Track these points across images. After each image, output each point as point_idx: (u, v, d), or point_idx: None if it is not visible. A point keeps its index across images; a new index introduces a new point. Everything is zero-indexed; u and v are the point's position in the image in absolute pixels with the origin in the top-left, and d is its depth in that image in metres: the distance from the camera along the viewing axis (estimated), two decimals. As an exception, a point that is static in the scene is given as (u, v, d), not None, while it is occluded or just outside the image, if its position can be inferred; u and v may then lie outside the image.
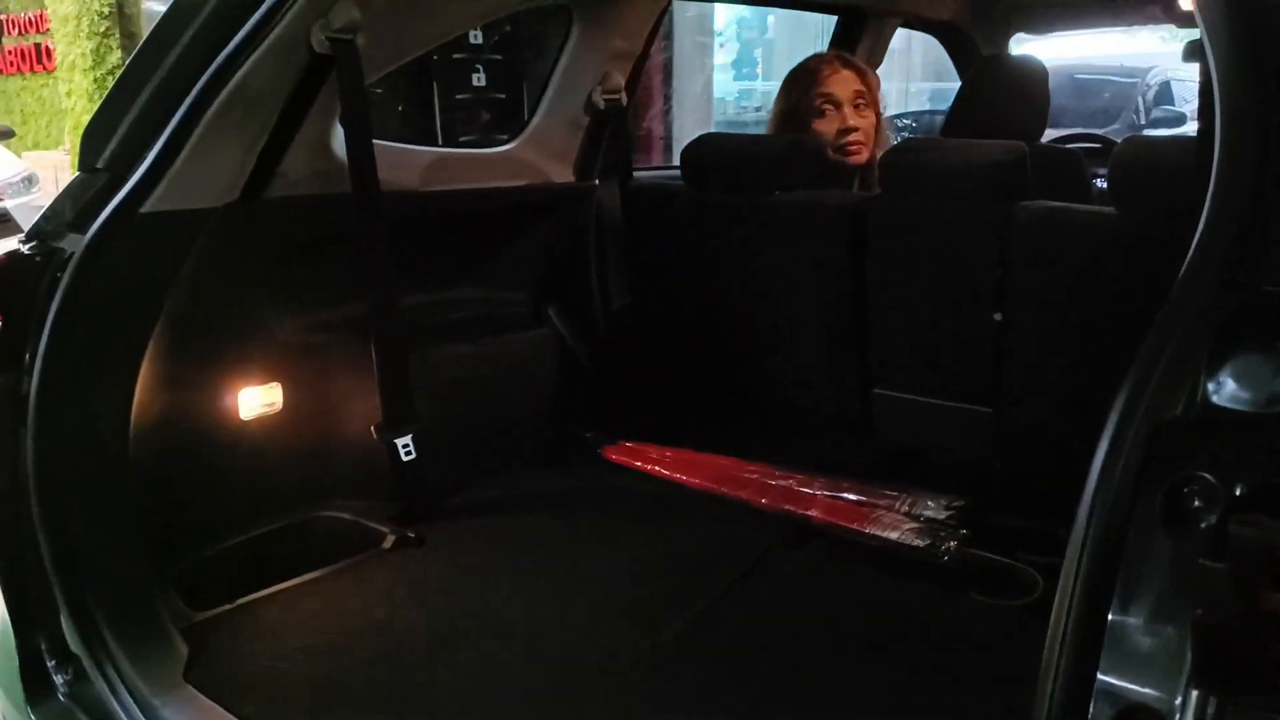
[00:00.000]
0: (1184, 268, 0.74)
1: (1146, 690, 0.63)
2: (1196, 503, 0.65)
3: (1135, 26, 4.43)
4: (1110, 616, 0.65)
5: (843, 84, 2.34)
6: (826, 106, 2.33)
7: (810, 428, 2.15)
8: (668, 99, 9.04)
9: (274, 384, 1.84)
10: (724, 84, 13.30)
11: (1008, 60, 3.26)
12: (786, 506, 1.87)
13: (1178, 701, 0.61)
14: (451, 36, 2.01)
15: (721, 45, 12.18)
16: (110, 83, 9.01)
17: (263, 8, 1.56)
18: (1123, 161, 1.69)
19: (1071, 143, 3.58)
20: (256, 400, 1.83)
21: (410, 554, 1.84)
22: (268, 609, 1.65)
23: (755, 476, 1.96)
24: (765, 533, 1.83)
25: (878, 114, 2.40)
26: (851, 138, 2.32)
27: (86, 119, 7.18)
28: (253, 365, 1.80)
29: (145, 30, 8.78)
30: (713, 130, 9.18)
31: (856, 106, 2.33)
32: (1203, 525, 0.64)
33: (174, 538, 1.69)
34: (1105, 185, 1.86)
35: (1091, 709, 0.64)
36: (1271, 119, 0.74)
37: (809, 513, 1.84)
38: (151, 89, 1.57)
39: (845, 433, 2.12)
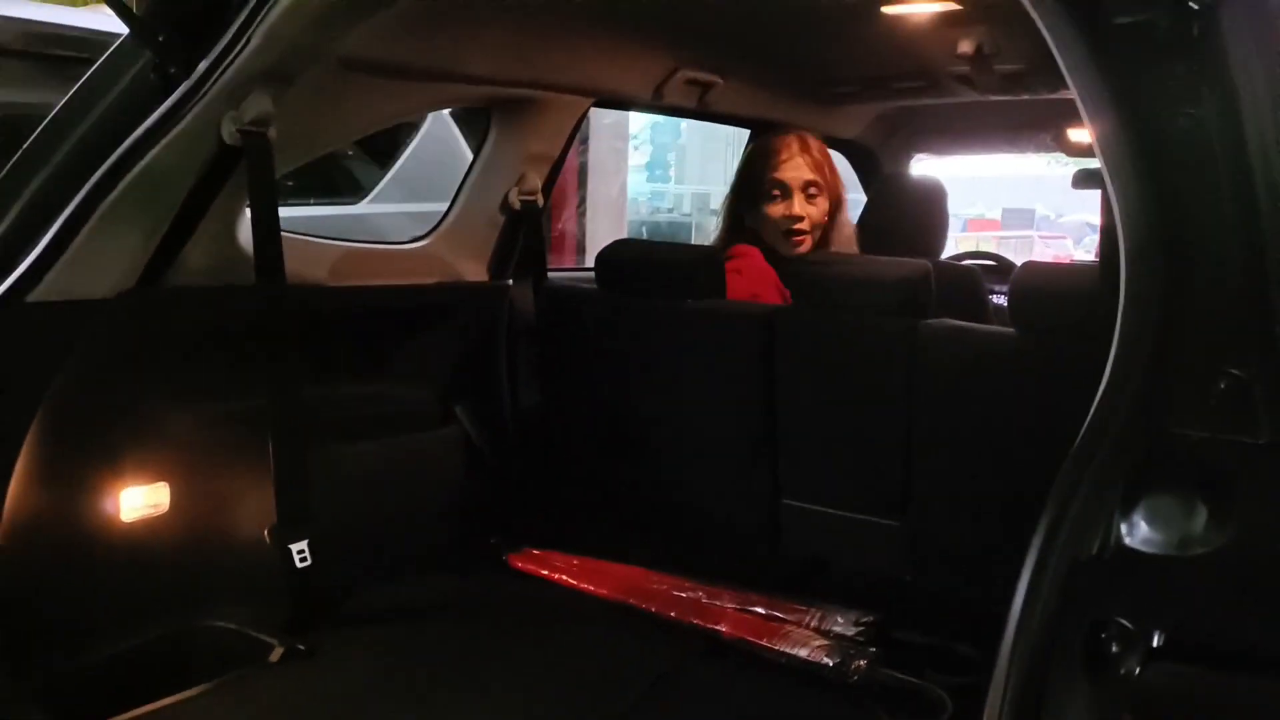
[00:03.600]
0: (1094, 409, 0.75)
1: None
2: (1114, 647, 0.64)
3: (1027, 152, 4.68)
4: None
5: (795, 171, 2.31)
6: (776, 191, 2.30)
7: (720, 538, 2.13)
8: (582, 200, 9.18)
9: (161, 483, 1.75)
10: (637, 185, 13.58)
11: (909, 179, 3.40)
12: (694, 620, 1.83)
13: None
14: (365, 134, 2.00)
15: (636, 148, 12.49)
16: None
17: (173, 96, 1.52)
18: (1022, 285, 1.75)
19: (969, 260, 3.72)
20: (140, 500, 1.73)
21: (299, 667, 1.73)
22: None
23: (664, 587, 1.93)
24: (673, 647, 1.79)
25: (835, 201, 2.36)
26: (796, 226, 2.29)
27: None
28: (139, 462, 1.71)
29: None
30: (626, 232, 9.36)
31: (809, 196, 2.30)
32: (1121, 671, 0.64)
33: (40, 647, 1.57)
34: (1005, 303, 1.92)
35: None
36: (1176, 259, 0.76)
37: (717, 627, 1.81)
38: (47, 174, 1.52)
39: (755, 543, 2.10)
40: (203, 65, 1.52)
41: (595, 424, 2.28)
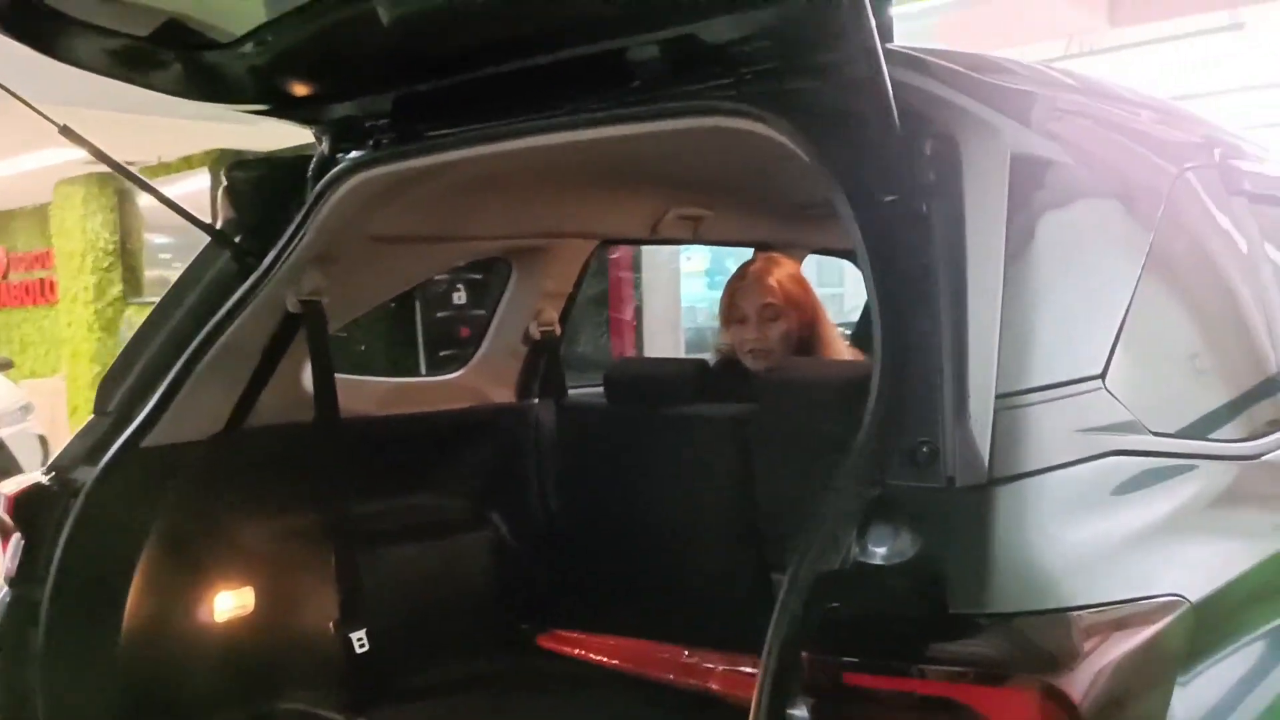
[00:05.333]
0: (842, 469, 1.10)
1: None
2: (832, 624, 0.99)
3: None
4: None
5: (750, 297, 2.54)
6: (738, 316, 2.56)
7: (717, 610, 2.42)
8: (638, 311, 9.71)
9: (247, 587, 2.15)
10: (696, 292, 14.08)
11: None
12: (689, 680, 2.14)
13: None
14: (401, 291, 2.46)
15: (689, 258, 13.04)
16: (110, 313, 9.54)
17: (248, 281, 1.97)
18: None
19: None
20: (231, 602, 2.12)
21: None
22: None
23: (666, 656, 2.24)
24: (673, 705, 2.10)
25: (805, 318, 2.56)
26: (750, 348, 2.54)
27: (84, 346, 7.67)
28: (227, 571, 2.10)
29: (146, 264, 9.50)
30: (682, 340, 9.74)
31: (768, 319, 2.52)
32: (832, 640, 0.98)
33: None
34: None
35: None
36: (899, 372, 1.12)
37: (708, 685, 2.12)
38: (157, 344, 1.98)
39: (749, 613, 2.39)
40: (270, 256, 1.97)
41: (608, 519, 2.62)
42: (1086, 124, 1.49)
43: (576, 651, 2.39)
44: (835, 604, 1.00)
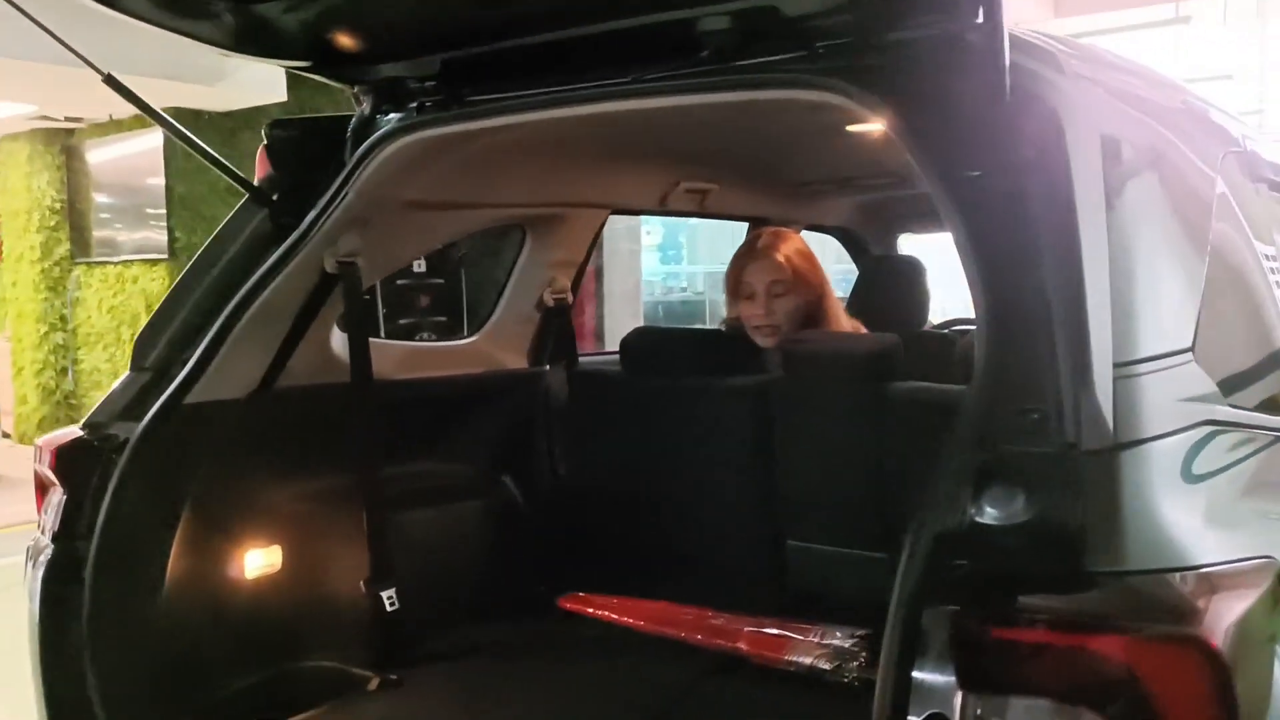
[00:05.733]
0: (954, 435, 1.14)
1: (938, 703, 1.00)
2: (963, 581, 1.03)
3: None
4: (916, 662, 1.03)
5: (759, 274, 2.56)
6: (745, 291, 2.58)
7: (734, 575, 2.48)
8: (599, 285, 9.73)
9: (275, 546, 2.14)
10: (651, 267, 14.16)
11: (893, 258, 3.83)
12: (717, 640, 2.19)
13: (955, 703, 0.98)
14: (428, 252, 2.45)
15: (649, 232, 13.08)
16: (57, 273, 9.28)
17: (287, 241, 1.96)
18: (964, 349, 2.14)
19: (956, 326, 4.11)
20: (260, 561, 2.12)
21: (393, 694, 2.10)
22: None
23: (689, 617, 2.29)
24: (699, 663, 2.14)
25: (812, 294, 2.57)
26: (757, 323, 2.56)
27: (30, 307, 7.49)
28: (257, 530, 2.10)
29: (93, 222, 9.24)
30: (641, 316, 9.78)
31: (774, 294, 2.54)
32: (964, 596, 1.03)
33: (189, 681, 1.95)
34: None
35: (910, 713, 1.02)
36: (1005, 343, 1.16)
37: (737, 645, 2.17)
38: (192, 304, 1.95)
39: (764, 578, 2.46)
40: (309, 216, 1.96)
41: (623, 485, 2.66)
42: (1154, 107, 1.55)
43: (598, 613, 2.42)
44: (962, 562, 1.04)
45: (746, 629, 2.21)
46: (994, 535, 1.06)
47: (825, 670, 2.05)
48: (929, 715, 1.00)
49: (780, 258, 2.58)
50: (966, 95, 1.26)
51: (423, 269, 8.27)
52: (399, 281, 8.09)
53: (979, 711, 0.98)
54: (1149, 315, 1.20)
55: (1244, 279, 1.59)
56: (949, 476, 1.11)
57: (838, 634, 2.16)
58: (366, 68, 1.93)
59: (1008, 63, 1.17)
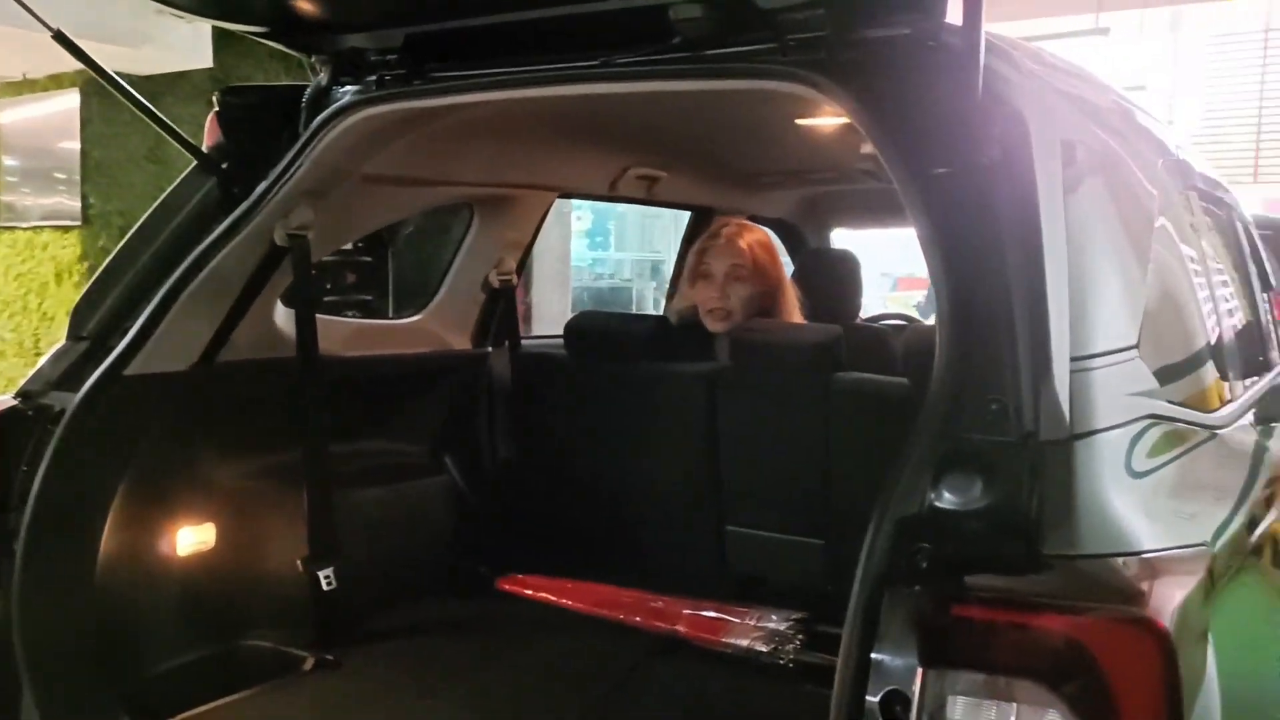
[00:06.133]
0: (917, 423, 1.19)
1: (897, 681, 1.04)
2: (924, 563, 1.07)
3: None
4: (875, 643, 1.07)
5: (721, 257, 2.58)
6: (703, 275, 2.60)
7: (675, 560, 2.52)
8: (528, 269, 9.66)
9: (208, 523, 2.10)
10: (579, 252, 14.11)
11: (828, 252, 3.90)
12: (657, 623, 2.22)
13: (916, 680, 1.03)
14: (378, 228, 2.42)
15: (579, 217, 13.03)
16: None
17: (236, 211, 1.92)
18: (908, 346, 2.20)
19: (887, 320, 4.21)
20: (192, 538, 2.08)
21: (328, 675, 2.08)
22: None
23: (630, 599, 2.31)
24: (638, 646, 2.17)
25: (770, 286, 2.61)
26: (712, 306, 2.58)
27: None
28: (191, 507, 2.05)
29: (1, 185, 8.84)
30: (570, 301, 9.76)
31: (733, 280, 2.56)
32: (924, 577, 1.07)
33: (119, 661, 1.90)
34: None
35: (868, 691, 1.05)
36: (968, 333, 1.21)
37: (676, 627, 2.20)
38: (134, 273, 1.90)
39: (704, 563, 2.50)
40: (261, 186, 1.92)
41: (567, 467, 2.67)
42: (1102, 113, 1.62)
43: (537, 594, 2.43)
44: (923, 545, 1.08)
45: (685, 611, 2.25)
46: (954, 520, 1.10)
47: (762, 652, 2.09)
48: (888, 691, 1.04)
49: (743, 245, 2.62)
50: (938, 94, 1.29)
51: (350, 246, 8.12)
52: (327, 259, 7.91)
53: (938, 688, 1.02)
54: (1101, 313, 1.26)
55: (1177, 281, 1.67)
56: (911, 463, 1.15)
57: (774, 617, 2.21)
58: (327, 37, 1.90)
59: (982, 64, 1.21)
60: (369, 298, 8.29)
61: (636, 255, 16.17)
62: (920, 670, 1.02)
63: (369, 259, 8.42)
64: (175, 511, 2.02)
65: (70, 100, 7.74)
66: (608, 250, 16.38)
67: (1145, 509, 1.16)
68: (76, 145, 7.95)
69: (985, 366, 1.17)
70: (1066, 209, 1.26)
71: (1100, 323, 1.25)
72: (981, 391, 1.16)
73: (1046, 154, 1.28)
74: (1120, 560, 1.08)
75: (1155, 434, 1.27)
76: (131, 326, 1.84)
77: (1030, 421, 1.13)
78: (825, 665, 2.05)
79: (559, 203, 3.09)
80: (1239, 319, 2.24)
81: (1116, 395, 1.22)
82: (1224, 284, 2.14)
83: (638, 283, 15.52)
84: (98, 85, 1.86)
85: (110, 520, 1.85)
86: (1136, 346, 1.30)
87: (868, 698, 1.06)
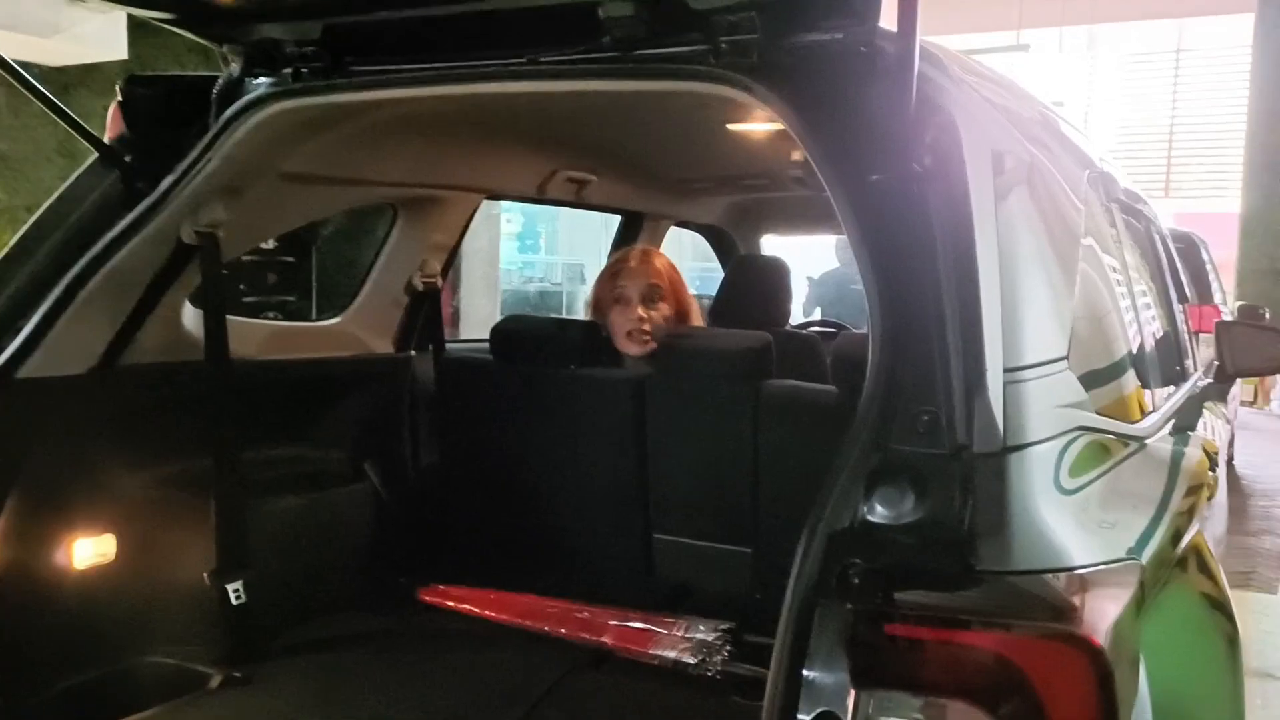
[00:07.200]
0: (848, 435, 1.16)
1: (828, 701, 1.01)
2: (855, 579, 1.04)
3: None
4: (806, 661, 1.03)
5: (636, 279, 2.57)
6: (620, 299, 2.58)
7: (601, 568, 2.47)
8: (456, 271, 9.53)
9: (108, 535, 1.99)
10: (509, 255, 14.00)
11: (758, 260, 3.90)
12: (583, 635, 2.17)
13: (848, 701, 0.99)
14: (295, 228, 2.33)
15: (509, 220, 12.92)
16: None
17: (140, 206, 1.82)
18: (839, 354, 2.19)
19: (815, 328, 4.23)
20: (90, 550, 1.96)
21: (235, 693, 1.99)
22: None
23: (555, 610, 2.26)
24: (565, 658, 2.12)
25: (682, 309, 2.60)
26: (631, 329, 2.55)
27: None
28: (89, 517, 1.94)
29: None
30: (499, 304, 9.65)
31: (651, 301, 2.55)
32: (856, 593, 1.04)
33: (9, 681, 1.79)
34: None
35: (800, 710, 1.02)
36: (898, 343, 1.19)
37: (602, 639, 2.15)
38: (28, 270, 1.79)
39: (632, 572, 2.46)
40: (166, 181, 1.82)
41: (491, 475, 2.61)
42: (1030, 124, 1.62)
43: (460, 606, 2.36)
44: (855, 560, 1.05)
45: (612, 623, 2.20)
46: (885, 534, 1.08)
47: (690, 664, 2.06)
48: (819, 713, 1.01)
49: (658, 266, 2.63)
50: (871, 100, 1.27)
51: (272, 245, 7.92)
52: (246, 258, 7.71)
53: (870, 709, 0.99)
54: (1031, 324, 1.25)
55: (1102, 293, 1.68)
56: (842, 476, 1.12)
57: (701, 627, 2.17)
58: (239, 26, 1.81)
59: (916, 72, 1.19)
60: (291, 298, 8.10)
61: (568, 259, 16.11)
62: (853, 691, 0.99)
63: (290, 259, 8.23)
64: (72, 522, 1.91)
65: (-21, 90, 7.43)
66: (538, 254, 16.30)
67: (1076, 522, 1.15)
68: (-19, 138, 7.63)
69: (918, 377, 1.15)
70: (998, 217, 1.25)
71: (1031, 333, 1.24)
72: (914, 402, 1.14)
73: (979, 162, 1.26)
74: (1053, 576, 1.06)
75: (1085, 446, 1.26)
76: (24, 327, 1.73)
77: (963, 434, 1.10)
78: (753, 677, 2.05)
79: (488, 205, 3.02)
80: (1159, 330, 2.28)
81: (1048, 407, 1.21)
82: (1144, 295, 2.17)
83: (568, 286, 15.46)
84: (3, 77, 1.75)
85: (1, 529, 1.73)
86: (1066, 358, 1.30)
87: (800, 717, 1.03)
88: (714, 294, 3.40)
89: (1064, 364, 1.29)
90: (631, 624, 2.21)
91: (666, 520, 2.41)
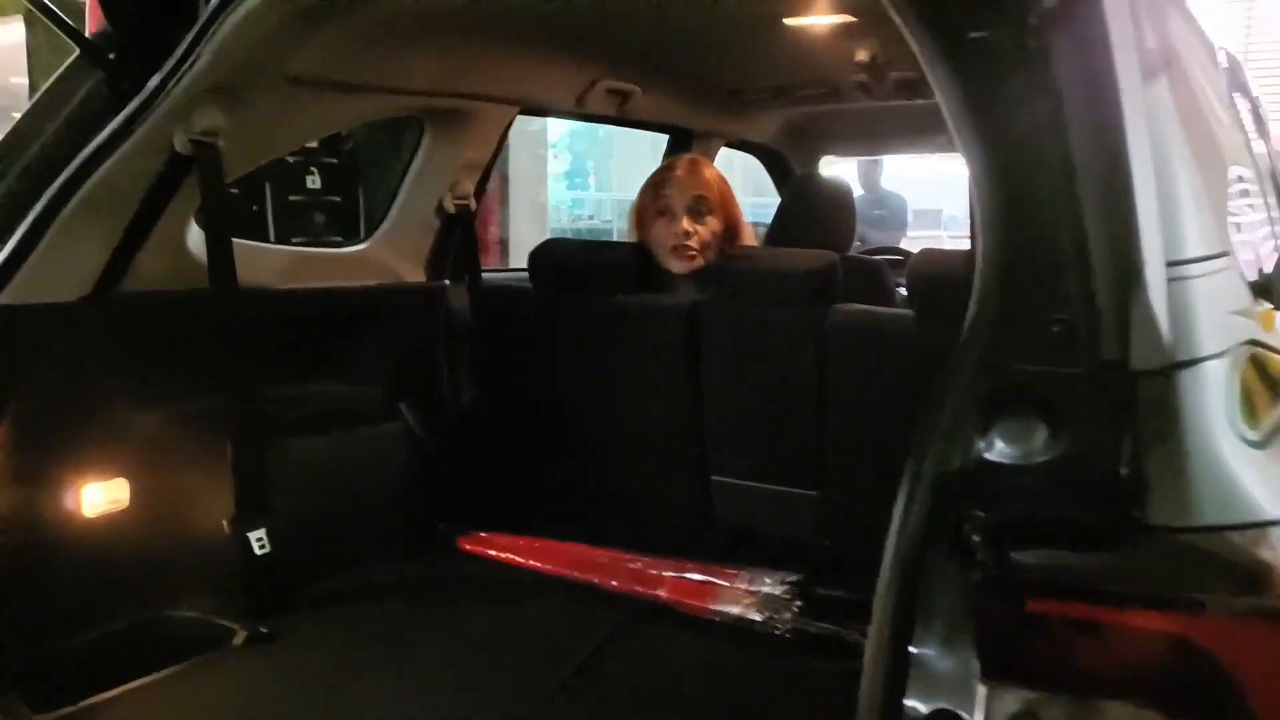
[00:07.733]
0: (952, 355, 0.91)
1: (947, 694, 0.77)
2: (974, 536, 0.80)
3: (926, 153, 4.95)
4: (915, 634, 0.80)
5: (681, 191, 2.33)
6: (664, 211, 2.35)
7: (655, 514, 2.27)
8: (503, 200, 9.30)
9: (120, 480, 1.83)
10: (558, 193, 13.70)
11: (818, 180, 3.60)
12: (636, 587, 1.97)
13: (975, 696, 0.76)
14: (308, 141, 2.11)
15: (556, 156, 12.61)
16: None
17: (128, 109, 1.62)
18: (916, 271, 1.93)
19: (877, 254, 3.94)
20: (100, 496, 1.80)
21: (262, 650, 1.83)
22: (113, 711, 1.61)
23: (605, 560, 2.06)
24: (616, 612, 1.92)
25: (731, 223, 2.37)
26: (683, 243, 2.31)
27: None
28: (98, 460, 1.78)
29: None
30: (547, 225, 9.43)
31: (697, 214, 2.32)
32: (978, 555, 0.80)
33: (13, 636, 1.64)
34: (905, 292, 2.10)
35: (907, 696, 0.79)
36: (1013, 232, 0.93)
37: (657, 592, 1.95)
38: (5, 187, 1.60)
39: (688, 517, 2.25)
40: (154, 81, 1.61)
41: (533, 413, 2.41)
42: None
43: (500, 554, 2.18)
44: (975, 510, 0.80)
45: (668, 574, 2.01)
46: (1011, 477, 0.83)
47: (756, 621, 1.85)
48: (935, 711, 0.77)
49: (707, 176, 2.38)
50: None
51: (318, 185, 7.77)
52: (291, 198, 7.59)
53: (1010, 710, 0.75)
54: (1193, 209, 0.98)
55: (1247, 182, 1.40)
56: (949, 405, 0.88)
57: (767, 580, 1.97)
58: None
59: None
60: (339, 239, 7.96)
61: (618, 195, 15.75)
62: (984, 687, 0.75)
63: (339, 199, 8.08)
64: (79, 465, 1.74)
65: (14, 34, 7.30)
66: (587, 190, 15.98)
67: (1263, 462, 0.88)
68: (25, 81, 7.53)
69: (1043, 273, 0.89)
70: (1145, 77, 0.97)
71: (1194, 220, 0.97)
72: (1040, 308, 0.88)
73: (1118, 10, 0.99)
74: (1248, 532, 0.80)
75: (1258, 365, 0.99)
76: (4, 249, 1.55)
77: (1112, 346, 0.85)
78: (829, 636, 1.84)
79: (535, 135, 2.77)
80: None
81: (1219, 313, 0.94)
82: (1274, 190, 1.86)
83: (618, 223, 15.13)
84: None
85: None
86: (1230, 253, 1.03)
87: (915, 704, 0.79)
88: (768, 223, 3.14)
89: (1229, 260, 1.02)
90: (689, 575, 2.01)
91: (725, 460, 2.19)
